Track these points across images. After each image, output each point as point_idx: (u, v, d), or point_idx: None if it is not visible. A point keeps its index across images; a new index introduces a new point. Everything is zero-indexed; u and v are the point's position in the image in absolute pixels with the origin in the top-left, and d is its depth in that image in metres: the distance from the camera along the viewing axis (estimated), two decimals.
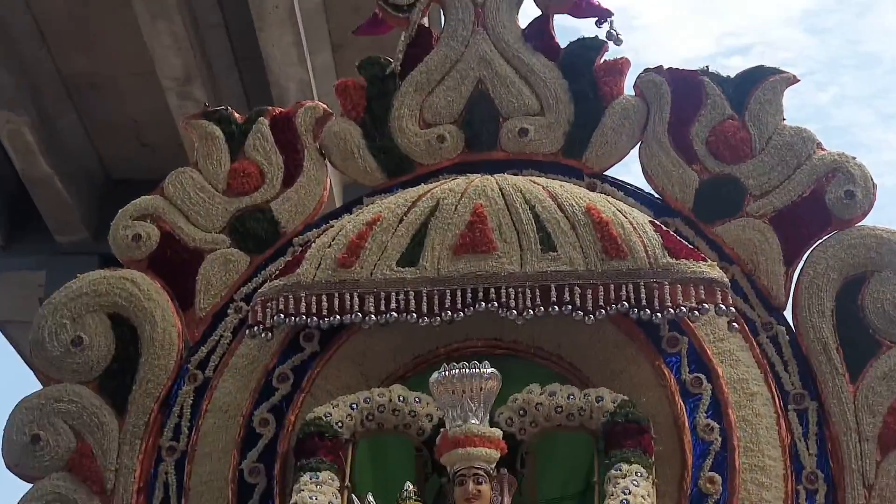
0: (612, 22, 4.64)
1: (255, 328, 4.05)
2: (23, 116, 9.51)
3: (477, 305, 3.86)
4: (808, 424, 4.03)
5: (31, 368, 4.60)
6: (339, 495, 3.79)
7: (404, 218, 4.11)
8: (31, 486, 4.16)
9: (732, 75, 4.52)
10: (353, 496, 3.85)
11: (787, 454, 3.96)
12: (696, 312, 3.85)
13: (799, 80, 4.56)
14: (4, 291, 10.53)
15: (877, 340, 4.06)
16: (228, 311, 4.39)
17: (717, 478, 3.88)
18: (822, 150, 4.37)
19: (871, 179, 4.26)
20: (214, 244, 4.44)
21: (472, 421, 3.72)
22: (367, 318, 3.93)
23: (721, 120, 4.40)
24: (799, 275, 4.25)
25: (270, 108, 5.05)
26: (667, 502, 3.80)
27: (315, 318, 3.98)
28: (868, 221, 4.27)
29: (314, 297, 3.96)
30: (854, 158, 4.36)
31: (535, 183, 4.23)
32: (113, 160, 10.93)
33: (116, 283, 4.33)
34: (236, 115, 4.86)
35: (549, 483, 4.07)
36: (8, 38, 9.91)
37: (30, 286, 4.71)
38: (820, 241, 4.23)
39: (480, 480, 3.60)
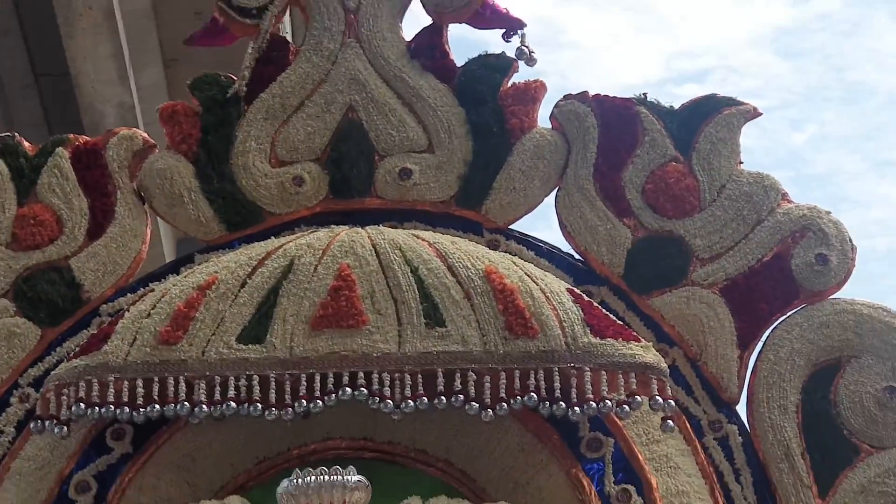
0: (524, 36, 4.91)
1: (47, 422, 4.25)
2: None
3: (341, 394, 4.09)
4: None
5: None
6: None
7: (248, 281, 4.29)
8: None
9: (678, 106, 4.82)
10: None
11: None
12: (626, 407, 4.14)
13: (762, 114, 4.88)
14: None
15: (853, 444, 4.42)
16: (12, 399, 4.52)
17: None
18: (789, 202, 4.70)
19: (850, 240, 4.59)
20: None
21: None
22: (196, 409, 4.11)
23: (662, 163, 4.72)
24: (756, 361, 4.57)
25: (73, 136, 5.12)
26: None
27: (127, 409, 4.15)
28: (845, 293, 4.62)
29: (126, 382, 4.14)
30: (828, 213, 4.67)
31: (419, 239, 4.44)
32: None
33: None
34: (26, 144, 4.97)
35: None
36: None
37: None
38: (784, 317, 4.58)
39: None
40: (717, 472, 4.42)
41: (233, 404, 4.02)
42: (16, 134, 5.16)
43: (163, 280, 4.65)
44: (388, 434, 4.31)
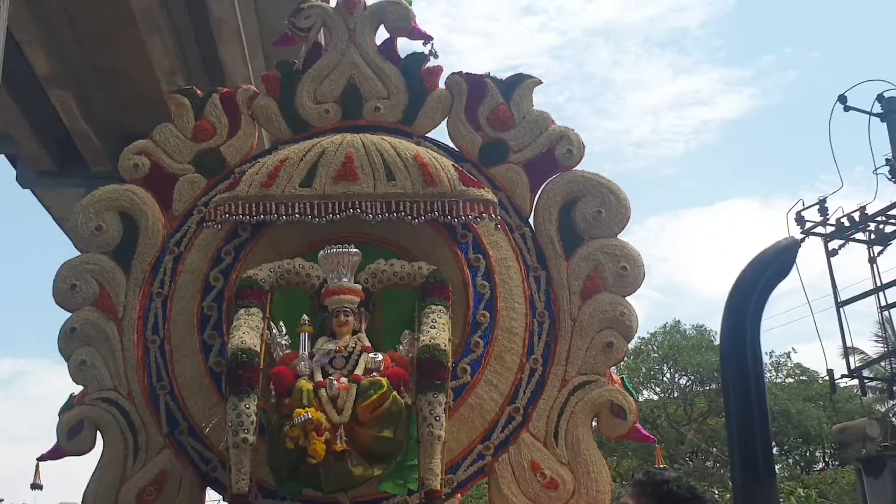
0: (432, 43, 5.77)
1: (211, 222, 5.25)
2: (68, 92, 13.05)
3: (347, 212, 5.12)
4: (540, 284, 5.40)
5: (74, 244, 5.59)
6: (261, 323, 4.95)
7: (304, 158, 5.23)
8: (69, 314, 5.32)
9: (505, 78, 5.72)
10: (271, 323, 4.98)
11: (527, 302, 5.36)
12: (478, 219, 5.18)
13: (542, 83, 5.76)
14: (59, 201, 15.64)
15: (580, 237, 5.45)
16: (194, 212, 5.44)
17: (487, 314, 5.27)
18: (554, 124, 5.60)
19: (583, 144, 5.56)
20: (184, 171, 5.57)
21: (343, 280, 5.01)
22: (279, 218, 5.13)
23: (496, 105, 5.60)
24: (538, 198, 5.53)
25: (220, 88, 5.97)
26: (457, 329, 5.12)
27: (247, 217, 5.15)
28: (579, 168, 5.61)
29: (247, 205, 5.13)
30: (573, 130, 5.61)
31: (383, 139, 5.37)
32: (126, 120, 14.28)
33: (124, 193, 5.48)
34: (199, 91, 5.76)
35: (391, 317, 5.26)
36: (58, 40, 12.64)
37: (74, 198, 6.40)
38: (551, 179, 5.55)
39: (347, 314, 4.95)
40: (518, 248, 5.51)
41: (297, 216, 5.13)
42: (193, 86, 6.06)
43: (264, 157, 5.59)
44: (368, 230, 5.29)
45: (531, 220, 5.57)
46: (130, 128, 10.66)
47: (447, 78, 5.75)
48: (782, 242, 1.23)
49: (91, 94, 14.43)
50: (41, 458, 5.39)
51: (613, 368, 5.52)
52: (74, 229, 5.52)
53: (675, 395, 26.59)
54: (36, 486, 5.67)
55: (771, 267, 1.22)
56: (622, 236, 5.57)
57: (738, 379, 1.21)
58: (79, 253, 5.53)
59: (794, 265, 1.24)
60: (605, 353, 5.38)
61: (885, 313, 12.25)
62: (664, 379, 26.78)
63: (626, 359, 5.51)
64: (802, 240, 11.52)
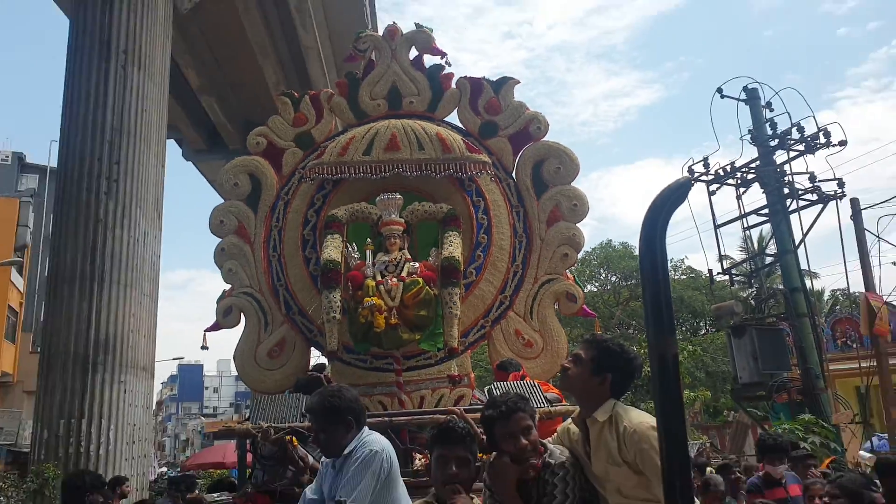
0: (447, 58, 5.67)
1: (307, 179, 5.30)
2: (212, 97, 13.56)
3: (393, 171, 5.15)
4: (520, 216, 5.38)
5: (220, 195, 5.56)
6: (341, 244, 4.99)
7: (364, 136, 5.23)
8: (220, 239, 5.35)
9: (495, 79, 5.62)
10: (347, 245, 5.02)
11: (511, 228, 5.34)
12: (479, 174, 5.24)
13: (520, 82, 5.64)
14: (210, 169, 16.09)
15: (546, 185, 5.41)
16: (295, 173, 5.43)
17: (485, 236, 5.27)
18: (528, 109, 5.51)
19: (547, 123, 5.48)
20: (288, 146, 5.50)
21: (392, 215, 5.04)
22: (351, 176, 5.18)
23: (489, 98, 5.52)
24: (518, 160, 5.48)
25: (310, 91, 5.94)
26: (465, 246, 5.12)
27: (330, 176, 5.21)
28: (545, 139, 5.53)
29: (329, 168, 5.18)
30: (540, 113, 5.51)
31: (416, 122, 5.33)
32: (250, 115, 14.26)
33: (251, 161, 5.45)
34: (296, 94, 5.71)
35: (423, 239, 5.20)
36: (203, 64, 13.13)
37: (219, 167, 6.26)
38: (526, 147, 5.50)
39: (396, 237, 4.97)
40: (506, 193, 5.46)
41: (362, 174, 5.13)
42: (292, 90, 6.02)
43: (339, 135, 5.50)
44: (407, 183, 5.24)
45: (514, 174, 5.51)
46: (252, 119, 10.90)
47: (457, 81, 5.64)
48: (680, 181, 1.33)
49: (227, 98, 15.07)
50: (207, 330, 5.50)
51: (568, 271, 5.49)
52: (220, 185, 5.52)
53: (608, 287, 27.07)
54: (204, 347, 5.88)
55: (672, 196, 1.31)
56: (574, 184, 5.53)
57: (650, 271, 1.28)
58: (223, 201, 5.54)
59: (687, 197, 1.34)
60: (562, 261, 5.38)
61: (747, 231, 12.38)
62: (601, 278, 27.27)
63: (575, 265, 5.50)
64: (692, 182, 11.56)
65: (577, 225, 5.40)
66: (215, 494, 3.98)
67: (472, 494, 2.44)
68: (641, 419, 2.30)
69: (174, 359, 48.58)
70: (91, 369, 7.86)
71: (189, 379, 53.60)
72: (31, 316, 21.93)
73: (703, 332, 25.68)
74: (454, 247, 4.88)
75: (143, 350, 8.68)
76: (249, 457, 4.29)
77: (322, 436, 2.67)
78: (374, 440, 2.71)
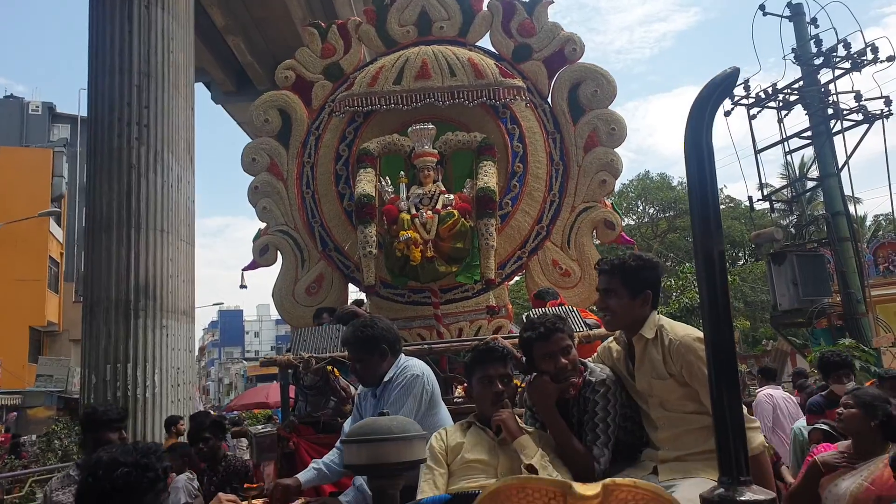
0: None
1: (337, 112, 5.21)
2: (238, 37, 13.66)
3: (425, 101, 5.03)
4: (556, 142, 5.24)
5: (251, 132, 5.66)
6: (374, 178, 4.92)
7: (394, 64, 5.12)
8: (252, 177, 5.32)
9: (528, 1, 5.40)
10: (380, 178, 4.97)
11: (547, 156, 5.22)
12: (513, 100, 5.10)
13: (554, 2, 5.41)
14: (238, 111, 16.20)
15: (583, 109, 5.24)
16: (326, 106, 5.33)
17: (521, 165, 5.19)
18: (563, 31, 5.33)
19: (583, 43, 5.28)
20: (317, 79, 5.41)
21: (425, 147, 4.93)
22: (381, 107, 5.10)
23: (522, 20, 5.33)
24: (553, 83, 5.31)
25: (337, 20, 5.75)
26: (501, 176, 5.03)
27: (360, 107, 5.13)
28: (581, 61, 5.36)
29: (359, 99, 5.09)
30: (576, 34, 5.32)
31: (447, 48, 5.19)
32: (276, 53, 14.46)
33: (280, 96, 5.36)
34: (322, 24, 5.61)
35: (457, 170, 5.09)
36: (228, 2, 13.02)
37: (248, 108, 6.23)
38: (562, 70, 5.32)
39: (429, 169, 4.89)
40: (541, 118, 5.31)
41: (393, 104, 5.06)
42: (318, 21, 5.82)
43: (369, 65, 5.37)
44: (440, 112, 5.11)
45: (549, 99, 5.35)
46: (280, 58, 10.98)
47: (488, 2, 5.43)
48: (726, 71, 1.22)
49: (253, 38, 14.91)
50: (244, 269, 5.55)
51: (606, 198, 5.38)
52: (251, 122, 5.45)
53: (646, 220, 26.74)
54: (242, 286, 5.86)
55: (719, 86, 1.20)
56: (611, 108, 5.35)
57: (696, 165, 1.18)
58: (254, 138, 5.49)
59: (734, 87, 1.22)
60: (600, 187, 5.26)
61: (788, 156, 11.98)
62: (638, 210, 26.89)
63: (612, 195, 5.35)
64: (733, 98, 11.22)
65: (616, 150, 5.26)
66: (260, 427, 4.04)
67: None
68: (687, 331, 2.26)
69: (214, 304, 49.85)
70: (133, 315, 8.09)
71: (230, 324, 55.05)
72: (73, 266, 22.54)
73: (742, 262, 25.34)
74: (489, 177, 4.79)
75: (182, 295, 8.88)
76: (292, 390, 4.37)
77: (359, 366, 2.69)
78: (413, 365, 2.74)
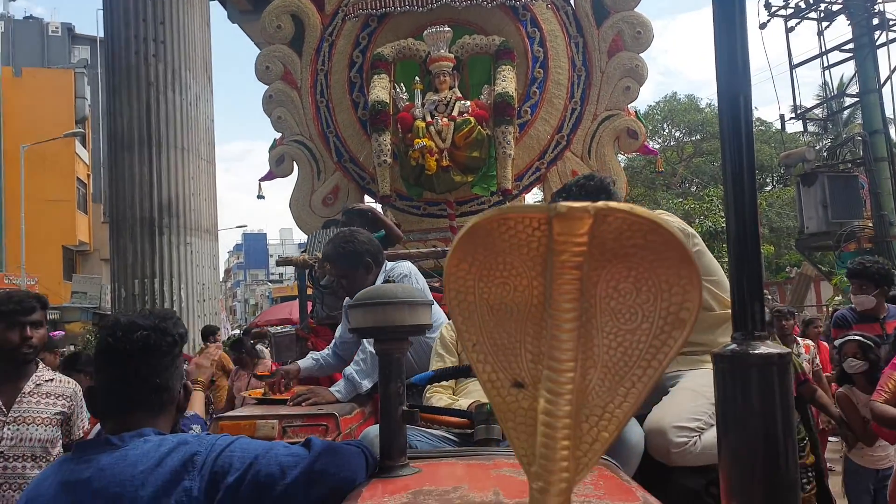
0: None
1: (351, 16, 5.07)
2: None
3: (441, 2, 4.88)
4: (578, 47, 5.03)
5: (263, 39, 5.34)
6: (388, 84, 4.78)
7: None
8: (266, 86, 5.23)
9: None
10: (395, 84, 4.73)
11: (569, 61, 5.03)
12: (532, 1, 4.86)
13: None
14: (255, 29, 14.60)
15: (607, 11, 5.04)
16: (339, 11, 5.18)
17: (541, 71, 5.00)
18: None
19: None
20: None
21: (441, 51, 4.68)
22: (396, 10, 4.95)
23: None
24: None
25: None
26: (520, 82, 4.87)
27: (375, 11, 4.97)
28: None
29: (374, 1, 4.95)
30: None
31: None
32: None
33: (293, 0, 5.20)
34: None
35: (474, 76, 4.94)
36: None
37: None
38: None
39: (445, 75, 4.72)
40: (563, 23, 5.14)
41: (407, 7, 4.92)
42: None
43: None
44: (456, 15, 4.93)
45: (572, 1, 5.14)
46: None
47: None
48: None
49: None
50: (261, 179, 5.53)
51: (630, 106, 5.20)
52: (263, 29, 5.30)
53: (671, 143, 26.05)
54: (260, 196, 5.81)
55: None
56: (637, 10, 5.10)
57: (728, 48, 1.06)
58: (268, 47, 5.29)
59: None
60: (624, 95, 5.10)
61: (827, 71, 11.37)
62: (664, 133, 26.18)
63: (637, 98, 5.13)
64: (770, 8, 10.59)
65: (641, 55, 5.05)
66: (279, 328, 4.18)
67: None
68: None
69: (238, 227, 50.53)
70: (158, 232, 8.23)
71: (254, 247, 55.98)
72: (100, 187, 22.83)
73: (770, 188, 24.80)
74: (507, 82, 4.63)
75: (205, 213, 8.98)
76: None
77: (344, 282, 2.67)
78: (400, 265, 2.77)
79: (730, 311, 1.95)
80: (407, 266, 2.82)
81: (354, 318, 1.33)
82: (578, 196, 2.04)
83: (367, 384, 2.48)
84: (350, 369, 2.50)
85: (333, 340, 2.85)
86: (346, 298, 2.85)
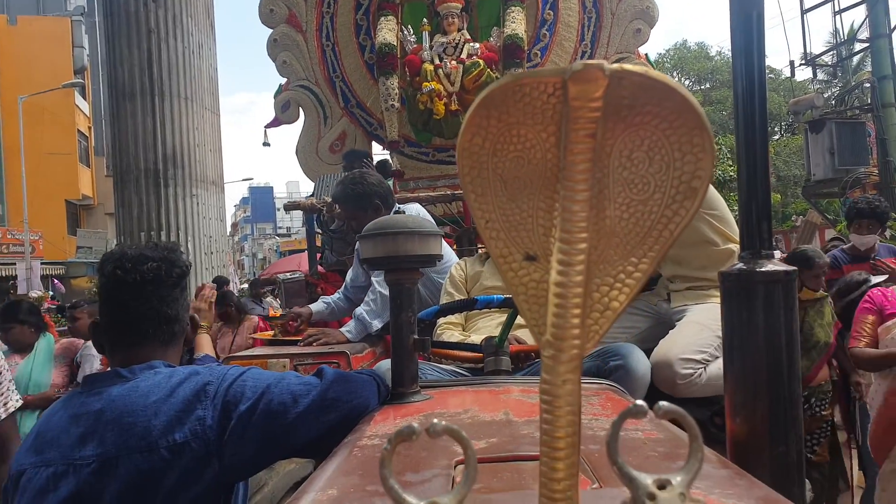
0: None
1: None
2: None
3: None
4: (590, 23, 5.03)
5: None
6: (396, 26, 4.62)
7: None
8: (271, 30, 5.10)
9: None
10: (402, 27, 4.63)
11: (580, 2, 4.98)
12: None
13: None
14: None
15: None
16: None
17: (551, 12, 4.95)
18: None
19: None
20: None
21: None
22: None
23: None
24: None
25: None
26: (530, 24, 4.76)
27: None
28: None
29: None
30: None
31: None
32: None
33: None
34: None
35: (483, 18, 4.85)
36: None
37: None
38: None
39: (454, 16, 4.67)
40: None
41: None
42: None
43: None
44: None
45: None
46: None
47: None
48: None
49: None
50: (267, 126, 5.45)
51: (641, 49, 5.14)
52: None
53: None
54: (265, 144, 5.77)
55: None
56: None
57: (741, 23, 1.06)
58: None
59: None
60: (635, 37, 5.05)
61: (838, 15, 11.12)
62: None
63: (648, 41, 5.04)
64: None
65: None
66: (288, 273, 4.21)
67: None
68: None
69: (244, 180, 50.49)
70: (163, 184, 8.22)
71: (261, 200, 55.92)
72: (101, 140, 22.77)
73: (778, 136, 24.52)
74: (517, 24, 4.56)
75: (211, 164, 8.95)
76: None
77: (354, 223, 2.67)
78: (407, 208, 2.79)
79: (733, 245, 1.99)
80: (416, 207, 2.85)
81: (365, 249, 1.34)
82: None
83: (377, 324, 2.50)
84: (360, 309, 2.53)
85: (344, 285, 2.89)
86: (358, 244, 2.86)
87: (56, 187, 19.85)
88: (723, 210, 2.09)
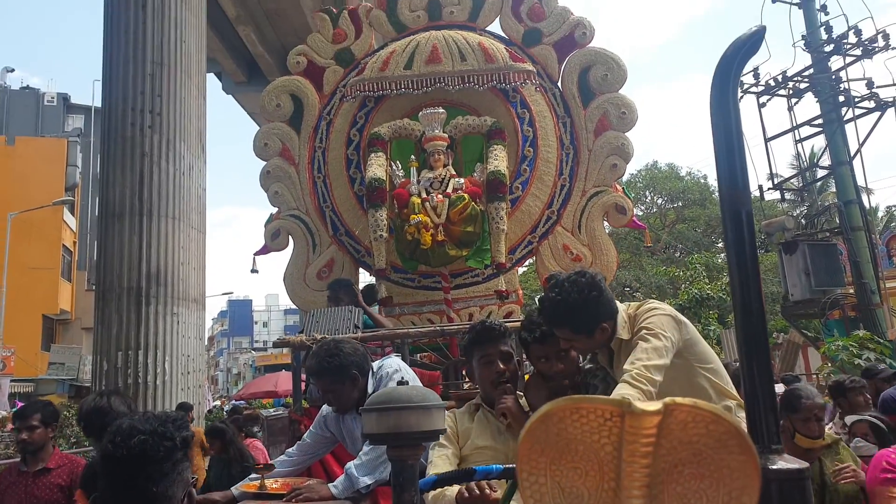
0: None
1: (349, 97, 5.22)
2: (249, 27, 13.34)
3: (435, 85, 5.00)
4: (566, 127, 5.22)
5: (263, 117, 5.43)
6: (385, 162, 4.93)
7: (405, 49, 5.11)
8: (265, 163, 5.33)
9: None
10: (391, 162, 4.96)
11: (558, 140, 5.19)
12: (523, 84, 5.06)
13: None
14: (249, 101, 16.06)
15: (593, 93, 5.21)
16: (337, 91, 5.36)
17: (531, 149, 5.15)
18: (573, 15, 5.31)
19: (593, 28, 5.26)
20: (329, 64, 5.43)
21: (436, 131, 4.91)
22: (392, 92, 5.08)
23: (532, 4, 5.35)
24: (563, 67, 5.27)
25: (347, 5, 5.81)
26: (511, 161, 5.02)
27: (371, 92, 5.11)
28: (591, 45, 5.31)
29: (370, 84, 5.08)
30: (586, 18, 5.30)
31: (457, 33, 5.19)
32: (287, 43, 14.25)
33: (292, 81, 5.39)
34: (334, 9, 5.59)
35: (467, 154, 5.10)
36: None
37: (259, 99, 6.06)
38: (572, 53, 5.29)
39: (440, 153, 4.86)
40: (551, 102, 5.30)
41: (403, 90, 5.03)
42: (331, 7, 5.84)
43: (380, 50, 5.37)
44: (450, 97, 5.13)
45: (559, 83, 5.32)
46: (290, 49, 10.95)
47: None
48: (752, 29, 1.17)
49: (263, 28, 14.90)
50: (256, 253, 5.53)
51: (617, 182, 5.36)
52: (263, 107, 5.43)
53: (654, 210, 26.56)
54: (254, 270, 5.80)
55: (745, 45, 1.16)
56: (622, 91, 5.30)
57: (723, 126, 1.11)
58: (266, 124, 5.49)
59: (760, 47, 1.17)
60: (611, 171, 5.23)
61: (799, 144, 11.83)
62: (647, 200, 26.78)
63: (624, 175, 5.28)
64: (743, 86, 11.08)
65: (626, 134, 5.21)
66: (271, 410, 4.10)
67: (519, 392, 2.34)
68: (644, 305, 2.21)
69: (223, 294, 50.11)
70: (144, 302, 8.12)
71: (239, 314, 55.28)
72: (85, 254, 22.71)
73: None
74: (499, 160, 4.79)
75: (193, 282, 8.90)
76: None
77: (330, 396, 2.57)
78: (389, 364, 2.67)
79: (729, 401, 1.98)
80: (396, 362, 2.73)
81: (367, 424, 1.31)
82: (570, 292, 2.08)
83: (365, 481, 2.37)
84: (351, 465, 2.42)
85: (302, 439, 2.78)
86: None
87: (34, 302, 19.53)
88: (717, 364, 2.10)
